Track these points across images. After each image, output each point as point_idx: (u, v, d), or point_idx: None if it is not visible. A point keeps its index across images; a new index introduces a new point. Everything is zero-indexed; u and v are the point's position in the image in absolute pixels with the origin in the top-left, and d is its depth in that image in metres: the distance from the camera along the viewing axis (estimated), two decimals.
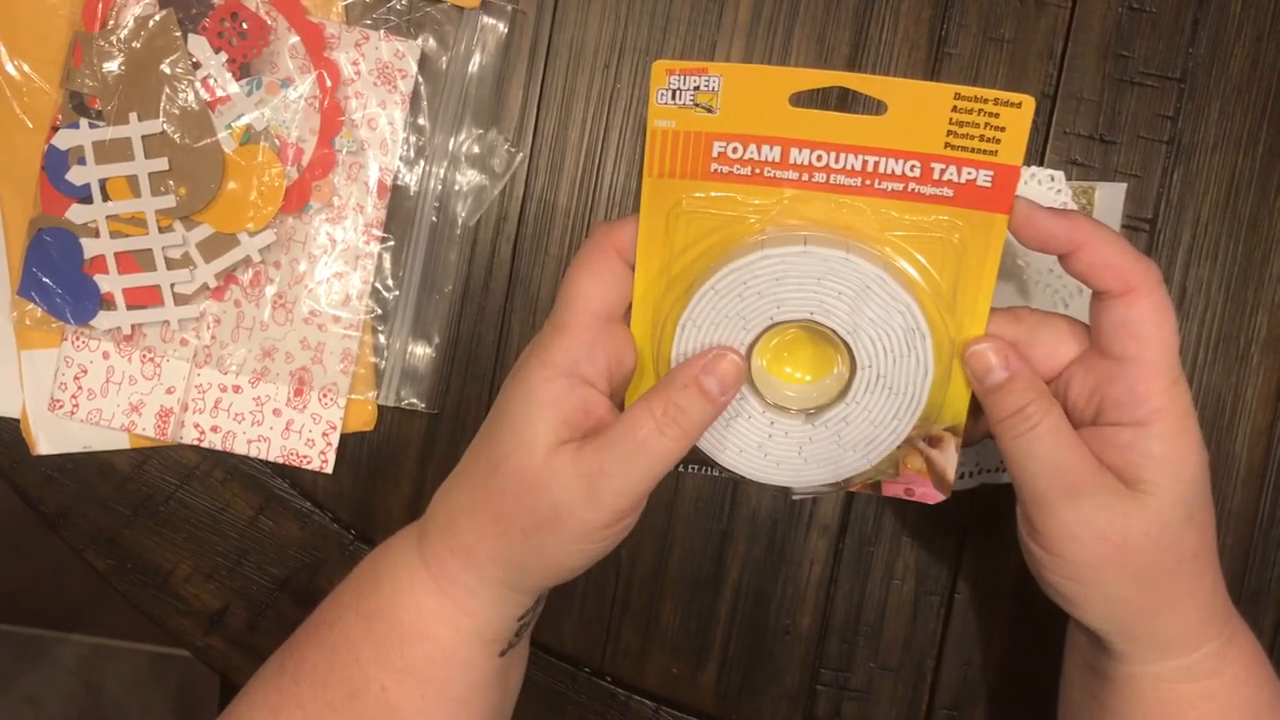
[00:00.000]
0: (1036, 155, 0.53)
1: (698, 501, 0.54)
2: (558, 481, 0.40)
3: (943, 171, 0.41)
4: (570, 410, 0.41)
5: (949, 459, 0.44)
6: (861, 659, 0.54)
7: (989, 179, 0.41)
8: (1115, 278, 0.40)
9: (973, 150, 0.41)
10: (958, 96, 0.40)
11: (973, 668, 0.54)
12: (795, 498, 0.53)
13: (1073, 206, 0.52)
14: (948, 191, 0.41)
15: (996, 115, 0.40)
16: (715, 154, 0.41)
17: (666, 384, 0.41)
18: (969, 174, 0.41)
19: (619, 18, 0.53)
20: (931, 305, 0.41)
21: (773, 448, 0.43)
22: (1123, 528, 0.40)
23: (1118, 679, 0.43)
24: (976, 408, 0.43)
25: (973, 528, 0.54)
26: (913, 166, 0.41)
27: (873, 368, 0.42)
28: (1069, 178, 0.52)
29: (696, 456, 0.44)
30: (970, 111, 0.40)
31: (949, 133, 0.41)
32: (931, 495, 0.45)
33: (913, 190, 0.41)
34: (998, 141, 0.41)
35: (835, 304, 0.41)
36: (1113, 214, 0.52)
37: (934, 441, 0.44)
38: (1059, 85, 0.53)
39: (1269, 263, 0.53)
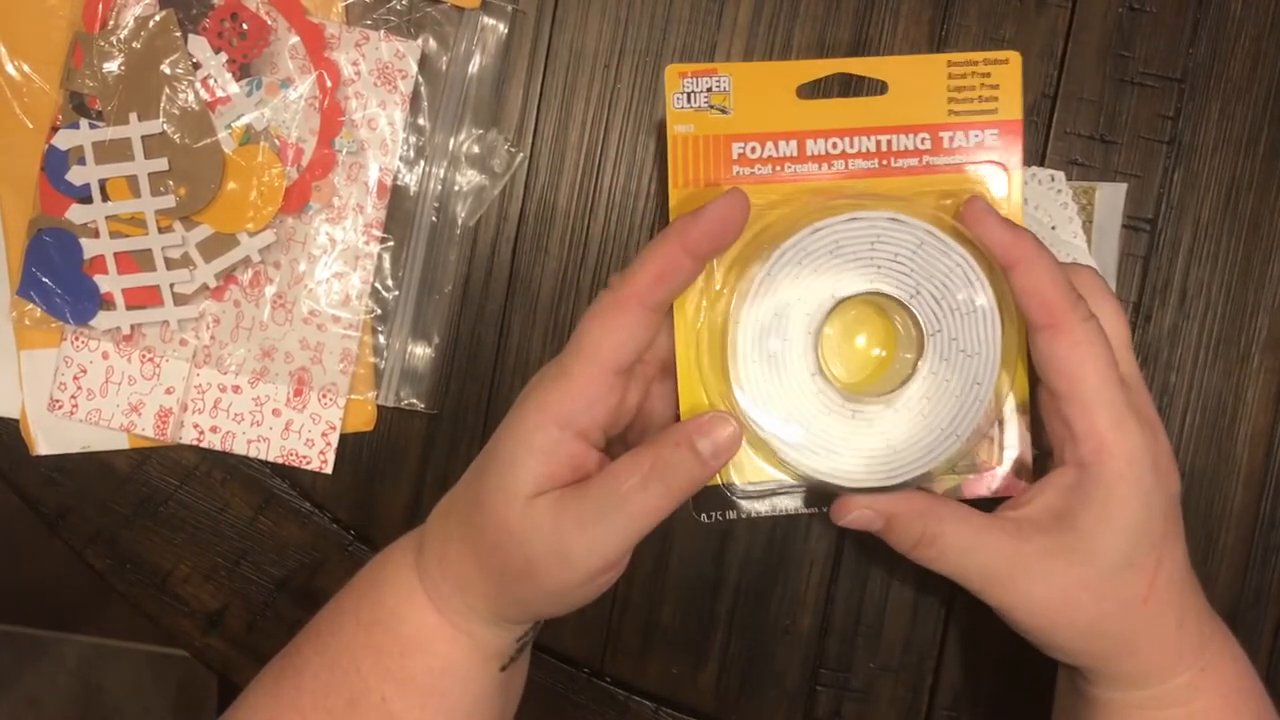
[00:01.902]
0: (1037, 155, 0.53)
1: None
2: (535, 534, 0.39)
3: (951, 139, 0.42)
4: (557, 464, 0.40)
5: (1023, 441, 0.43)
6: (861, 659, 0.54)
7: (996, 137, 0.42)
8: (1039, 308, 0.40)
9: (975, 112, 0.42)
10: (950, 63, 0.42)
11: (973, 668, 0.54)
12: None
13: (1073, 206, 0.52)
14: (959, 158, 0.42)
15: (989, 74, 0.42)
16: (735, 156, 0.42)
17: (657, 441, 0.40)
18: (976, 136, 0.42)
19: (619, 18, 0.53)
20: (984, 257, 0.41)
21: (861, 442, 0.42)
22: (1061, 588, 0.41)
23: (1095, 701, 0.44)
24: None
25: None
26: (923, 139, 0.42)
27: (943, 332, 0.41)
28: (1069, 178, 0.52)
29: (768, 492, 0.44)
30: (965, 75, 0.42)
31: (950, 99, 0.42)
32: (1015, 485, 0.44)
33: (927, 163, 0.42)
34: (996, 99, 0.42)
35: (892, 268, 0.41)
36: (1113, 214, 0.52)
37: (1003, 425, 0.43)
38: (1059, 85, 0.53)
39: (1270, 264, 0.53)
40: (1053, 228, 0.52)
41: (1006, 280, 0.41)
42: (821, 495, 0.44)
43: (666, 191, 0.43)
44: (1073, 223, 0.52)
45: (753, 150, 0.42)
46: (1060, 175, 0.52)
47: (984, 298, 0.41)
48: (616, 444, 0.44)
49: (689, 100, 0.42)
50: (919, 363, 0.41)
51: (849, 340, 0.43)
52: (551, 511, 0.39)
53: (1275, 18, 0.52)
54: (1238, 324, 0.53)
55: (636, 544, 0.40)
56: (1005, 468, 0.44)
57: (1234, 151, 0.53)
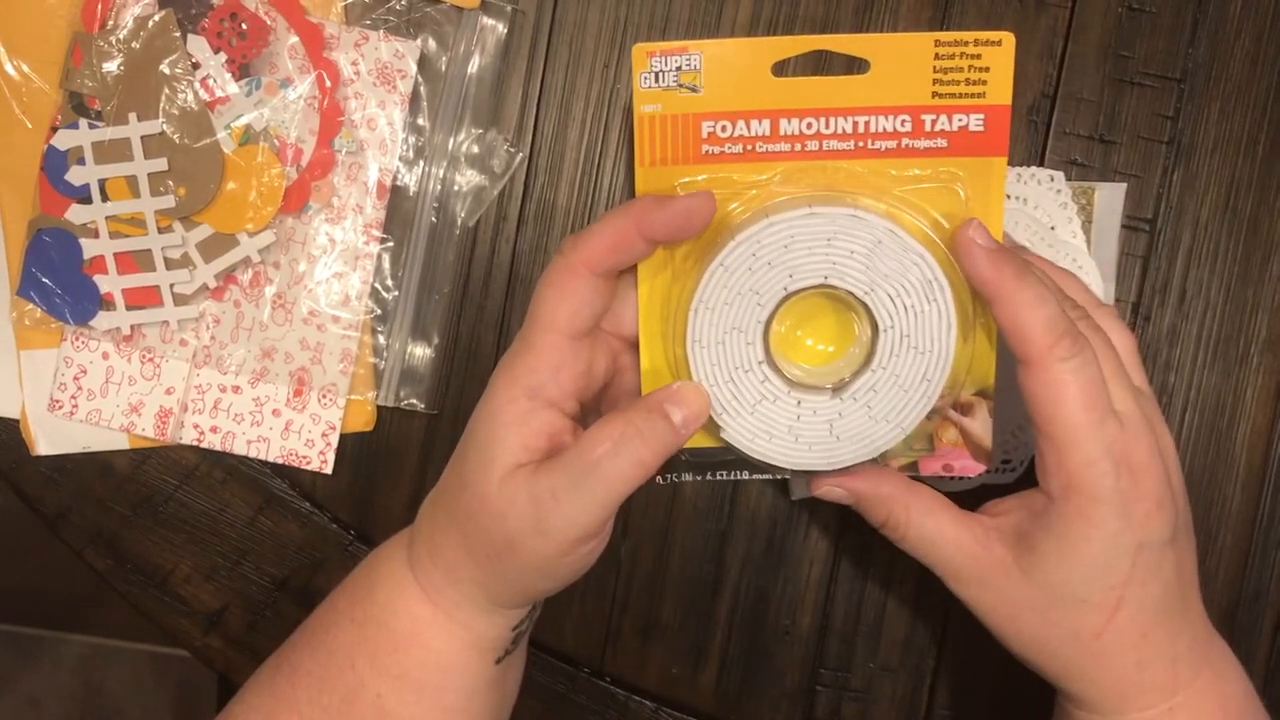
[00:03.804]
0: (1036, 155, 0.53)
1: (697, 501, 0.54)
2: (512, 508, 0.39)
3: (934, 122, 0.41)
4: (530, 434, 0.40)
5: (984, 425, 0.43)
6: (861, 659, 0.54)
7: (981, 123, 0.41)
8: (1018, 344, 0.39)
9: (960, 95, 0.40)
10: (938, 43, 0.40)
11: (973, 668, 0.54)
12: (796, 497, 0.53)
13: (1073, 206, 0.52)
14: (942, 142, 0.41)
15: (979, 56, 0.40)
16: (705, 135, 0.41)
17: (628, 407, 0.40)
18: (960, 120, 0.41)
19: (618, 18, 0.53)
20: (945, 256, 0.41)
21: (803, 429, 0.42)
22: (1011, 603, 0.42)
23: (1067, 715, 0.44)
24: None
25: None
26: (903, 121, 0.41)
27: (895, 328, 0.41)
28: (1069, 178, 0.52)
29: (717, 460, 0.44)
30: (952, 56, 0.40)
31: (935, 81, 0.40)
32: (971, 467, 0.44)
33: (906, 146, 0.41)
34: (984, 83, 0.40)
35: (848, 264, 0.40)
36: (1113, 214, 0.52)
37: (965, 409, 0.43)
38: (1059, 85, 0.53)
39: (1269, 263, 0.53)
40: (1052, 228, 0.52)
41: (992, 314, 0.40)
42: (769, 466, 0.44)
43: (633, 170, 0.43)
44: (1072, 223, 0.52)
45: (723, 129, 0.41)
46: (1060, 175, 0.52)
47: (940, 298, 0.41)
48: (592, 416, 0.44)
49: (657, 80, 0.41)
50: (869, 357, 0.42)
51: (800, 331, 0.43)
52: (527, 484, 0.39)
53: (1275, 18, 0.52)
54: (1237, 323, 0.53)
55: (615, 512, 0.40)
56: (964, 449, 0.44)
57: (1233, 151, 0.53)
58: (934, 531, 0.43)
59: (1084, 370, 0.39)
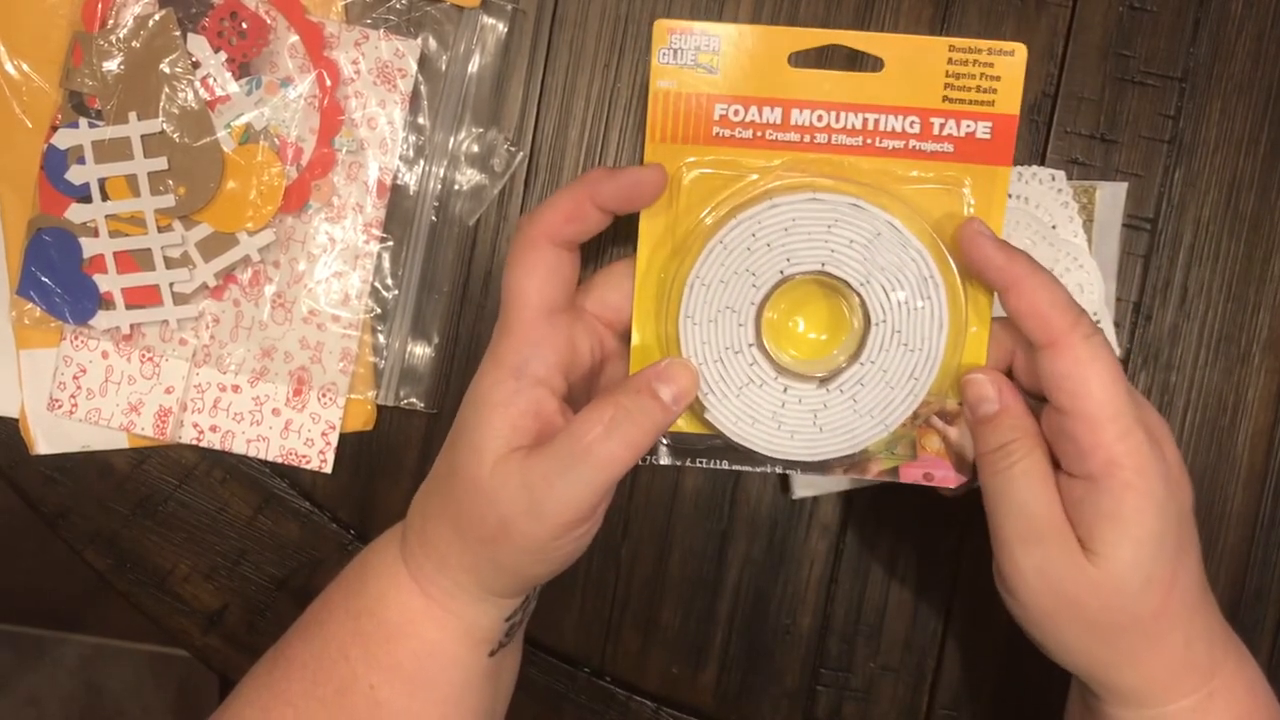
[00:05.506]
0: (1037, 155, 0.53)
1: (698, 501, 0.54)
2: (504, 491, 0.40)
3: (942, 126, 0.41)
4: (518, 414, 0.40)
5: (967, 436, 0.43)
6: (861, 659, 0.54)
7: (988, 130, 0.41)
8: (1039, 328, 0.39)
9: (970, 102, 0.41)
10: (952, 48, 0.41)
11: (973, 668, 0.54)
12: (796, 496, 0.53)
13: (1074, 205, 0.52)
14: (948, 146, 0.42)
15: (991, 65, 0.41)
16: (717, 117, 0.41)
17: (618, 389, 0.40)
18: (968, 126, 0.41)
19: (619, 17, 0.53)
20: (943, 258, 0.41)
21: (787, 417, 0.42)
22: (1075, 582, 0.40)
23: (1102, 717, 0.43)
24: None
25: (973, 527, 0.54)
26: (912, 122, 0.41)
27: (887, 323, 0.41)
28: (1070, 177, 0.52)
29: (698, 447, 0.44)
30: (965, 63, 0.41)
31: (946, 85, 0.41)
32: (952, 478, 0.44)
33: (914, 147, 0.42)
34: (994, 91, 0.41)
35: (847, 253, 0.40)
36: (1114, 214, 0.52)
37: (950, 418, 0.43)
38: (1060, 85, 0.52)
39: (1270, 262, 0.53)
40: (1053, 227, 0.52)
41: (1004, 304, 0.40)
42: (749, 457, 0.44)
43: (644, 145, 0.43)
44: (1073, 222, 0.52)
45: (736, 113, 0.41)
46: (1061, 174, 0.52)
47: (934, 296, 0.41)
48: (582, 403, 0.43)
49: (675, 57, 0.41)
50: (859, 350, 0.42)
51: (792, 317, 0.43)
52: (520, 468, 0.39)
53: (1276, 16, 0.52)
54: (1238, 323, 0.53)
55: (608, 494, 0.40)
56: (946, 459, 0.44)
57: (1234, 150, 0.53)
58: (1043, 478, 0.40)
59: (1105, 345, 0.39)
